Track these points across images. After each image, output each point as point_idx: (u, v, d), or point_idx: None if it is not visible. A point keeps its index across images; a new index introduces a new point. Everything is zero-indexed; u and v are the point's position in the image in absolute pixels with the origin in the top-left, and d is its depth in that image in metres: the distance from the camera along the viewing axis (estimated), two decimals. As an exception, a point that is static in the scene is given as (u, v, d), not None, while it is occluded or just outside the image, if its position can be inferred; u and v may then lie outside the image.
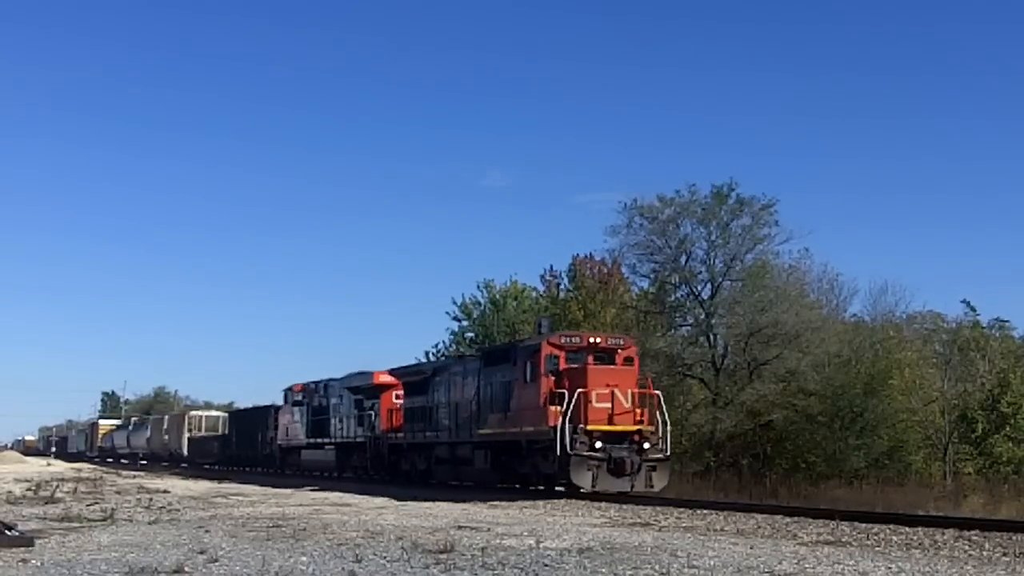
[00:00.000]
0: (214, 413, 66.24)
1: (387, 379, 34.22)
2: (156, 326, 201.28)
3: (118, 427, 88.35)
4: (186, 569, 11.25)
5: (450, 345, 53.60)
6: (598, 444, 22.99)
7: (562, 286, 51.37)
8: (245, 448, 51.13)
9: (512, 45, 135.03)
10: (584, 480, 22.95)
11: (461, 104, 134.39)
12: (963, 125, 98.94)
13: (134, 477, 42.36)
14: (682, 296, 41.48)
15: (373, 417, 34.80)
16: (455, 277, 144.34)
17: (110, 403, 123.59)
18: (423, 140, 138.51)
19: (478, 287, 54.35)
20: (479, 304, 53.81)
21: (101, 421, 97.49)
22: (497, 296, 53.47)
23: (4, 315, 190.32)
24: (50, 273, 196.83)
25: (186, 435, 63.00)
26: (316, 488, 31.90)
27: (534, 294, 53.21)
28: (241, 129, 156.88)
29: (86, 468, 56.16)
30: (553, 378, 24.29)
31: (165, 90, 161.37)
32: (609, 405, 23.37)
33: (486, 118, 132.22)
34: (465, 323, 54.20)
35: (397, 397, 33.56)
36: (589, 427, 23.06)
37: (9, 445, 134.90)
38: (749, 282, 39.30)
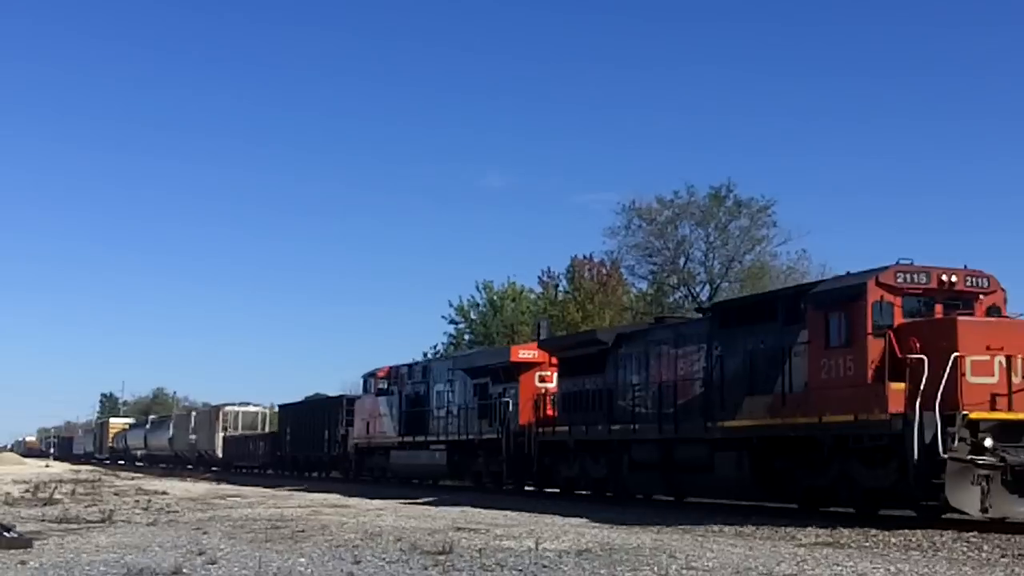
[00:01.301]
0: (252, 408, 57.41)
1: (530, 355, 26.92)
2: (155, 327, 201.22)
3: (132, 426, 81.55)
4: (184, 570, 11.25)
5: (447, 347, 53.55)
6: (987, 442, 15.00)
7: (560, 287, 51.37)
8: (305, 449, 43.29)
9: (511, 45, 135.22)
10: (968, 499, 14.88)
11: (460, 104, 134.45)
12: (963, 126, 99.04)
13: (132, 479, 42.34)
14: (680, 297, 41.54)
15: (510, 407, 26.61)
16: (454, 278, 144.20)
17: (108, 404, 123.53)
18: (422, 140, 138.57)
19: (476, 288, 54.34)
20: (477, 305, 53.75)
21: (112, 420, 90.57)
22: (495, 297, 53.41)
23: (2, 315, 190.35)
24: (48, 274, 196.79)
25: (220, 434, 55.26)
26: (316, 490, 31.89)
27: (532, 295, 53.19)
28: (239, 129, 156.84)
29: (84, 470, 56.16)
30: (885, 339, 15.93)
31: (165, 90, 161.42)
32: (995, 379, 15.43)
33: (485, 118, 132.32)
34: (462, 325, 54.15)
35: (543, 379, 26.52)
36: (971, 414, 15.12)
37: (9, 446, 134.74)
38: (747, 283, 39.37)
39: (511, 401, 26.62)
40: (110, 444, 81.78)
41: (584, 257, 49.10)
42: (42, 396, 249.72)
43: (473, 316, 53.60)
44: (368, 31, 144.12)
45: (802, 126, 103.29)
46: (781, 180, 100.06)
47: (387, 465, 33.83)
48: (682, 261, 40.37)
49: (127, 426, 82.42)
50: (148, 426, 73.21)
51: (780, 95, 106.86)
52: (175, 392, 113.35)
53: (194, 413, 62.66)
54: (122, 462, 74.90)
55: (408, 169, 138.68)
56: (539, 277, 52.72)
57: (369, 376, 36.02)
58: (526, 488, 26.76)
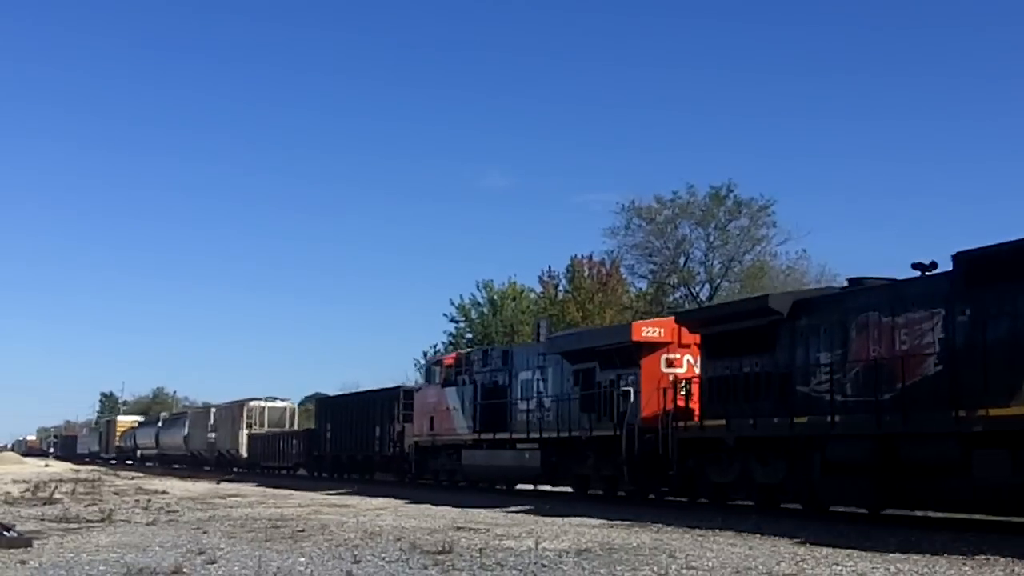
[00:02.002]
0: (279, 403, 52.49)
1: (656, 333, 21.88)
2: (155, 327, 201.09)
3: (142, 424, 76.68)
4: (184, 570, 11.26)
5: (448, 347, 53.61)
6: None
7: (560, 287, 51.44)
8: (349, 448, 38.42)
9: (511, 45, 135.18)
10: None
11: (460, 104, 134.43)
12: (964, 126, 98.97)
13: (132, 478, 42.34)
14: (680, 297, 41.57)
15: (631, 397, 21.67)
16: (454, 278, 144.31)
17: (108, 404, 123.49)
18: (422, 140, 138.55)
19: (477, 287, 54.38)
20: (478, 304, 53.81)
21: (120, 418, 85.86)
22: (496, 297, 53.47)
23: (2, 315, 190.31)
24: (48, 273, 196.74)
25: (244, 431, 50.51)
26: (314, 489, 31.87)
27: (532, 295, 53.25)
28: (239, 128, 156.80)
29: (84, 469, 56.17)
30: None
31: (164, 89, 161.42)
32: None
33: (485, 119, 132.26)
34: (462, 324, 54.22)
35: (672, 362, 21.76)
36: None
37: (9, 446, 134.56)
38: (747, 283, 39.41)
39: (632, 390, 21.56)
40: (117, 443, 78.40)
41: (584, 257, 49.21)
42: (42, 396, 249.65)
43: (474, 315, 53.68)
44: (369, 31, 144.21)
45: (803, 126, 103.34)
46: (781, 180, 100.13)
47: (457, 466, 28.98)
48: (682, 261, 40.47)
49: (136, 424, 78.35)
50: (160, 424, 68.55)
51: (781, 95, 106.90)
52: (175, 392, 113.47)
53: (214, 409, 56.99)
54: (130, 462, 72.16)
55: (409, 169, 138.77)
56: (539, 277, 52.85)
57: (433, 364, 31.98)
58: (666, 497, 21.95)
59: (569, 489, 25.05)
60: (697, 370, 20.76)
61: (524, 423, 25.39)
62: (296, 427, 49.32)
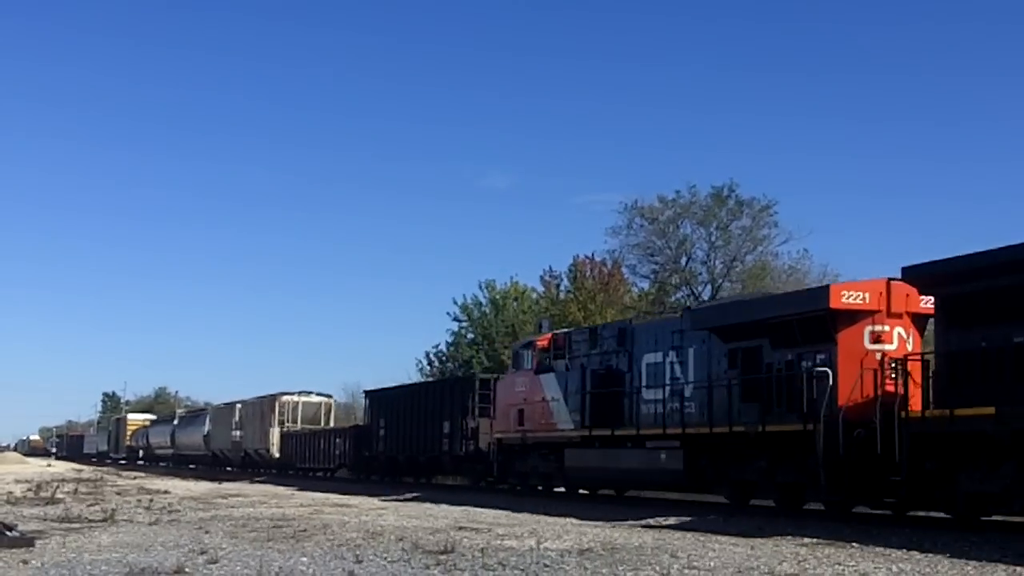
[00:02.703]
0: (315, 398, 47.64)
1: (860, 299, 16.97)
2: (156, 326, 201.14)
3: (155, 422, 72.48)
4: (186, 570, 11.27)
5: (450, 346, 53.61)
6: None
7: (562, 287, 51.42)
8: (409, 447, 33.65)
9: (513, 45, 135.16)
10: None
11: (462, 104, 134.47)
12: (965, 126, 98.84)
13: (134, 478, 42.37)
14: (682, 297, 41.53)
15: (829, 381, 16.77)
16: (455, 278, 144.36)
17: (110, 404, 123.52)
18: (423, 140, 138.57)
19: (479, 287, 54.38)
20: (480, 304, 53.81)
21: (131, 416, 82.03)
22: (497, 296, 53.47)
23: (3, 315, 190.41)
24: (50, 273, 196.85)
25: (276, 429, 45.64)
26: (316, 489, 31.87)
27: (534, 295, 53.24)
28: (240, 127, 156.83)
29: (87, 469, 56.19)
30: None
31: (164, 88, 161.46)
32: None
33: (487, 119, 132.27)
34: (465, 324, 54.21)
35: (879, 337, 16.99)
36: None
37: (12, 446, 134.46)
38: (749, 283, 39.38)
39: (830, 372, 16.80)
40: (128, 443, 74.29)
41: (586, 257, 49.18)
42: (43, 396, 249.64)
43: (476, 315, 53.69)
44: (370, 30, 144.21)
45: (805, 125, 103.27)
46: (783, 180, 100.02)
47: (555, 469, 24.18)
48: (684, 261, 40.42)
49: (148, 422, 74.07)
50: (176, 422, 63.99)
51: (782, 94, 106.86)
52: (177, 392, 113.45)
53: (239, 405, 51.40)
54: (142, 463, 68.73)
55: (410, 169, 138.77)
56: (541, 276, 52.84)
57: (522, 348, 26.55)
58: (886, 511, 16.99)
59: (719, 499, 20.02)
60: (910, 346, 16.95)
61: (651, 416, 20.80)
62: (332, 423, 45.24)
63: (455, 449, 30.16)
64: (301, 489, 32.12)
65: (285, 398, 46.77)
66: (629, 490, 23.84)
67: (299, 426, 45.05)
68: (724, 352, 19.18)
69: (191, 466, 57.69)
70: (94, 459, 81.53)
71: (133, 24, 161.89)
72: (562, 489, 25.36)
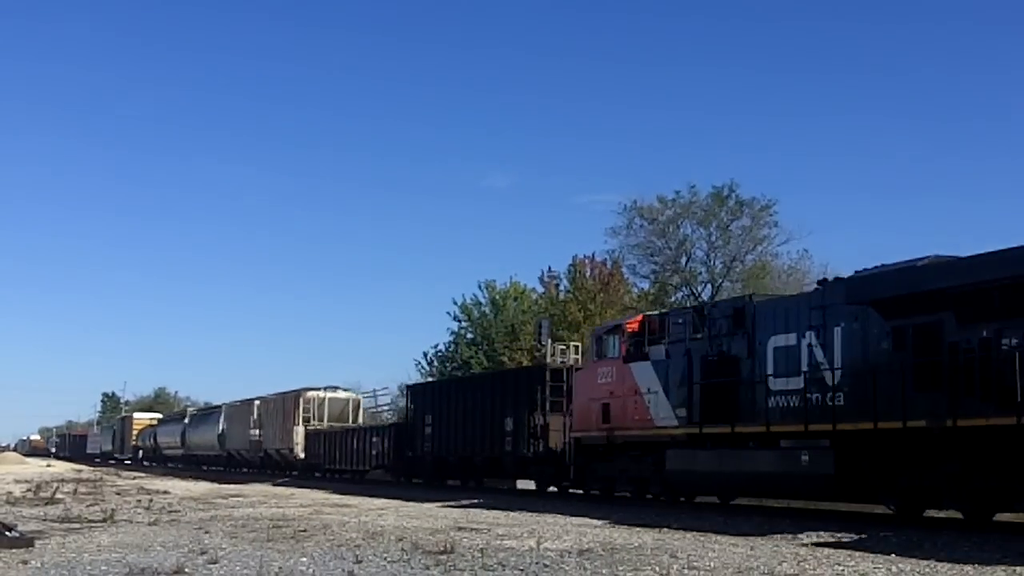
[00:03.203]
0: (342, 394, 44.45)
1: None
2: (156, 326, 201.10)
3: (164, 421, 69.59)
4: (186, 570, 11.26)
5: (450, 346, 53.60)
6: None
7: (561, 287, 51.42)
8: (463, 446, 30.01)
9: (514, 45, 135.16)
10: None
11: (462, 104, 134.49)
12: (965, 124, 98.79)
13: (134, 478, 42.36)
14: (682, 297, 41.55)
15: None
16: (455, 277, 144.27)
17: (110, 404, 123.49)
18: (424, 139, 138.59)
19: (479, 287, 54.39)
20: (480, 304, 53.82)
21: (136, 415, 78.87)
22: (497, 297, 53.48)
23: (2, 315, 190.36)
24: (49, 273, 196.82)
25: (300, 427, 42.19)
26: (316, 489, 31.86)
27: (534, 295, 53.26)
28: (240, 127, 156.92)
29: (87, 469, 56.15)
30: None
31: (164, 87, 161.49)
32: None
33: (487, 118, 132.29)
34: (465, 323, 54.21)
35: None
36: None
37: (13, 446, 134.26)
38: (749, 283, 39.41)
39: None
40: (134, 442, 71.69)
41: (585, 257, 49.18)
42: (42, 396, 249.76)
43: (475, 315, 53.70)
44: (371, 30, 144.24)
45: (805, 125, 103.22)
46: (783, 179, 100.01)
47: (653, 472, 20.94)
48: (684, 261, 40.43)
49: (155, 421, 71.31)
50: (188, 420, 60.82)
51: (783, 93, 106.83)
52: (176, 392, 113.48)
53: (258, 402, 48.09)
54: (149, 463, 66.39)
55: (411, 169, 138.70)
56: (540, 277, 52.86)
57: (608, 332, 23.05)
58: None
59: (882, 510, 17.29)
60: None
61: (782, 409, 17.70)
62: (361, 421, 42.48)
63: (520, 449, 26.53)
64: (335, 492, 30.83)
65: (310, 394, 43.17)
66: (745, 497, 20.54)
67: (325, 424, 41.76)
68: (886, 331, 15.95)
69: (204, 467, 55.29)
70: (97, 460, 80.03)
71: (133, 23, 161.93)
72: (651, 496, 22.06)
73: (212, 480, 40.82)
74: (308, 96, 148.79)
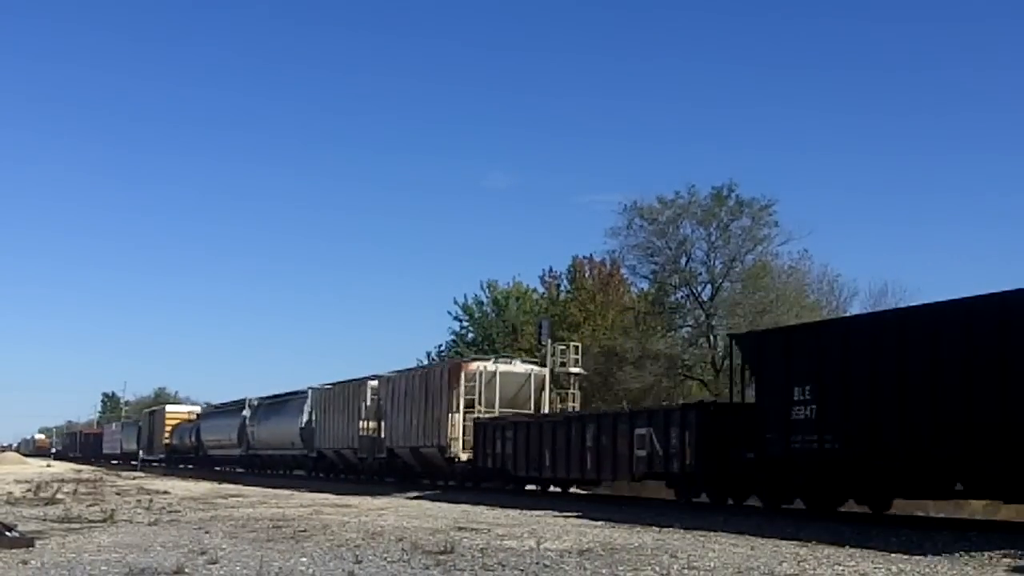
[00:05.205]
0: (519, 367, 30.99)
1: None
2: (156, 327, 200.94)
3: (208, 414, 58.34)
4: (186, 570, 11.25)
5: (451, 346, 53.60)
6: None
7: (561, 287, 51.45)
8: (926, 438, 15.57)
9: (515, 45, 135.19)
10: None
11: (464, 103, 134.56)
12: (965, 123, 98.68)
13: (134, 478, 42.34)
14: (682, 297, 41.52)
15: None
16: (456, 277, 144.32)
17: (110, 404, 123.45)
18: (425, 139, 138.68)
19: (481, 287, 54.42)
20: (481, 304, 53.86)
21: (170, 408, 67.06)
22: (499, 297, 53.51)
23: (3, 315, 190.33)
24: (49, 273, 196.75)
25: (458, 416, 29.26)
26: (316, 489, 31.82)
27: (535, 295, 53.29)
28: (241, 126, 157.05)
29: (87, 469, 56.05)
30: None
31: (164, 86, 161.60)
32: None
33: (488, 118, 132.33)
34: (466, 323, 54.26)
35: None
36: None
37: (15, 446, 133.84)
38: (749, 283, 39.37)
39: None
40: (167, 440, 61.21)
41: (584, 257, 49.20)
42: (42, 396, 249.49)
43: (477, 315, 53.74)
44: (373, 29, 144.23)
45: (806, 123, 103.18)
46: (783, 177, 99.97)
47: None
48: (684, 261, 40.37)
49: (193, 416, 60.25)
50: (247, 412, 48.40)
51: (783, 92, 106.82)
52: (176, 392, 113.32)
53: (374, 383, 35.55)
54: (185, 466, 56.43)
55: (412, 168, 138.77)
56: (540, 277, 52.90)
57: None
58: None
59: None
60: None
61: None
62: (547, 406, 29.90)
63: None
64: (300, 490, 31.58)
65: (474, 366, 30.22)
66: None
67: (496, 410, 29.08)
68: None
69: (275, 472, 44.90)
70: (116, 461, 71.38)
71: (132, 22, 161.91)
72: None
73: (277, 487, 34.17)
74: (309, 95, 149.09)
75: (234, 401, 53.01)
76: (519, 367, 31.01)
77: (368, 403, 35.12)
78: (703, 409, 20.75)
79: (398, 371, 35.34)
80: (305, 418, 40.98)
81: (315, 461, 40.39)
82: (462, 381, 29.66)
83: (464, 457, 28.92)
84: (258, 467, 47.22)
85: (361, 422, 35.17)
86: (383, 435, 33.82)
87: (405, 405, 32.40)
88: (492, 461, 27.18)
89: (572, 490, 25.55)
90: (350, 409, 36.49)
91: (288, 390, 44.69)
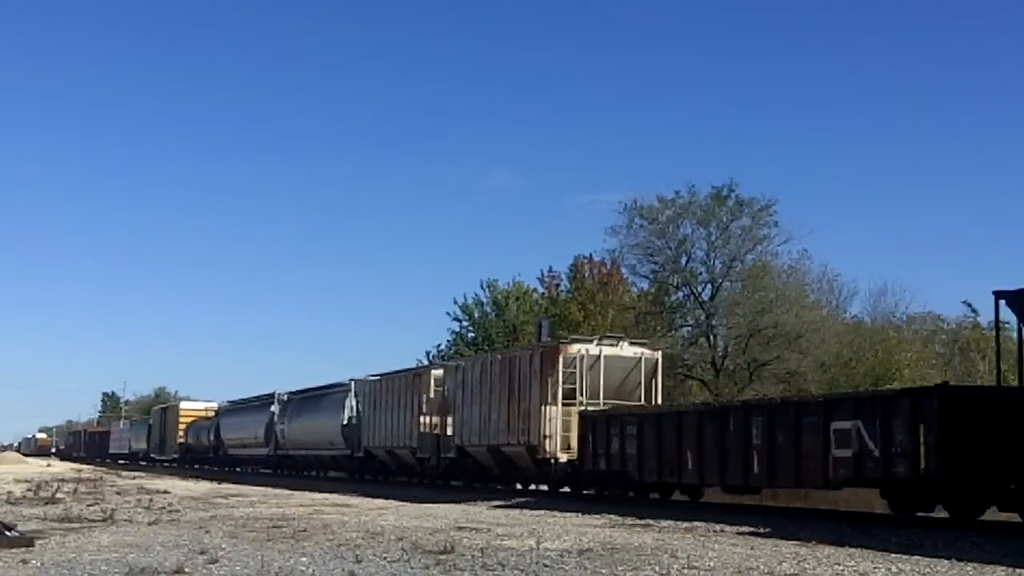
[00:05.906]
0: (628, 351, 25.71)
1: None
2: (156, 326, 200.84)
3: (229, 410, 53.33)
4: (186, 570, 11.26)
5: (451, 346, 53.56)
6: None
7: (561, 287, 51.42)
8: None
9: (516, 44, 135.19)
10: None
11: (464, 103, 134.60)
12: (965, 122, 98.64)
13: (134, 478, 42.34)
14: (682, 297, 41.56)
15: None
16: (456, 277, 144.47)
17: (110, 403, 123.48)
18: (426, 138, 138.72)
19: (481, 287, 54.39)
20: (481, 304, 53.83)
21: (184, 404, 62.48)
22: (499, 297, 53.49)
23: (3, 314, 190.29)
24: (49, 272, 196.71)
25: (558, 409, 24.35)
26: (316, 489, 31.82)
27: (535, 295, 53.27)
28: (242, 125, 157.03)
29: (87, 469, 56.02)
30: None
31: (164, 85, 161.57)
32: None
33: (489, 118, 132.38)
34: (466, 323, 54.23)
35: None
36: None
37: (16, 445, 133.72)
38: (749, 283, 39.42)
39: None
40: (181, 439, 57.81)
41: (584, 257, 49.17)
42: (42, 396, 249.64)
43: (477, 315, 53.70)
44: (373, 28, 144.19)
45: (806, 122, 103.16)
46: (783, 178, 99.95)
47: None
48: (684, 260, 40.41)
49: (211, 413, 55.82)
50: (276, 407, 43.21)
51: (783, 92, 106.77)
52: (176, 392, 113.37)
53: (439, 372, 31.42)
54: (201, 466, 52.97)
55: (412, 168, 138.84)
56: (540, 276, 52.87)
57: None
58: None
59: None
60: None
61: None
62: (659, 395, 25.47)
63: None
64: (300, 489, 31.63)
65: (574, 348, 25.19)
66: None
67: (600, 401, 24.47)
68: None
69: (313, 473, 41.03)
70: (123, 461, 69.03)
71: (132, 21, 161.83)
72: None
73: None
74: (309, 94, 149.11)
75: (259, 396, 47.93)
76: (627, 350, 25.72)
77: (432, 395, 30.39)
78: (948, 395, 15.44)
79: (492, 354, 31.56)
80: (348, 413, 36.43)
81: (361, 462, 35.75)
82: (559, 367, 24.72)
83: (564, 458, 24.16)
84: (288, 468, 42.25)
85: (422, 417, 30.48)
86: (451, 431, 28.85)
87: (481, 396, 27.33)
88: (606, 463, 22.43)
89: (733, 501, 20.15)
90: (407, 402, 31.65)
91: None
